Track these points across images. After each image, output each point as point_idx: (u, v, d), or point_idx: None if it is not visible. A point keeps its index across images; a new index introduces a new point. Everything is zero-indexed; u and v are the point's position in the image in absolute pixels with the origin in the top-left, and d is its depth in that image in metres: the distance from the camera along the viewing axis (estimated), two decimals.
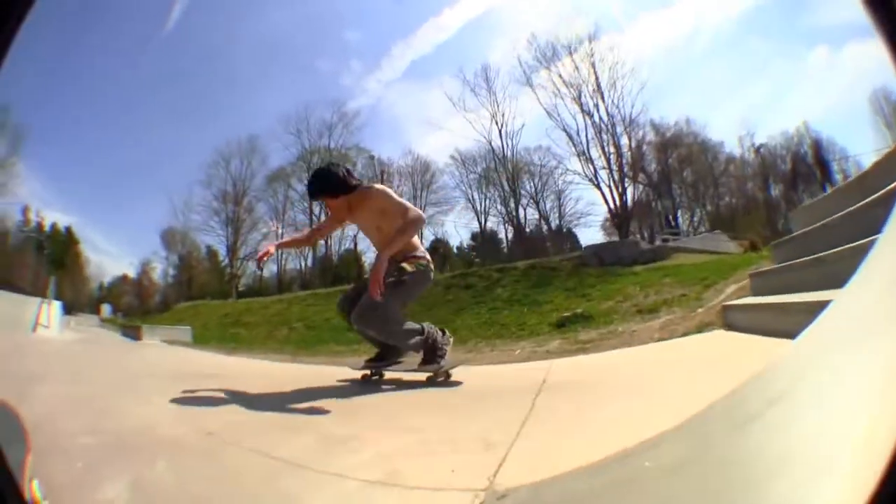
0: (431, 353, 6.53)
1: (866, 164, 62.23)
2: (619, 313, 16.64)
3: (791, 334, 3.03)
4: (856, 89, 68.95)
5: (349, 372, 7.74)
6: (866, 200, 6.14)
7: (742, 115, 68.76)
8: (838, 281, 2.70)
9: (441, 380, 6.38)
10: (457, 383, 6.39)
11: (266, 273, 52.50)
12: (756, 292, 9.29)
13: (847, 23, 75.29)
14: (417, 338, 6.45)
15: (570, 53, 55.71)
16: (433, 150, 56.55)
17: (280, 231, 51.34)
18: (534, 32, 56.58)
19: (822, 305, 2.63)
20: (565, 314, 17.47)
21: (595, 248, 33.15)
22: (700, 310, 12.31)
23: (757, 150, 61.55)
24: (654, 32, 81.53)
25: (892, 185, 5.37)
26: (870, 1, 2.02)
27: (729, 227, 54.50)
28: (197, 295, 50.16)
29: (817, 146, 63.54)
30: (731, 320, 8.55)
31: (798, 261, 7.41)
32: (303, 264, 53.83)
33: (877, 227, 2.79)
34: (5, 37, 2.13)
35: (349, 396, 5.86)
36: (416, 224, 6.71)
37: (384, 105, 66.33)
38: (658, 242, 43.59)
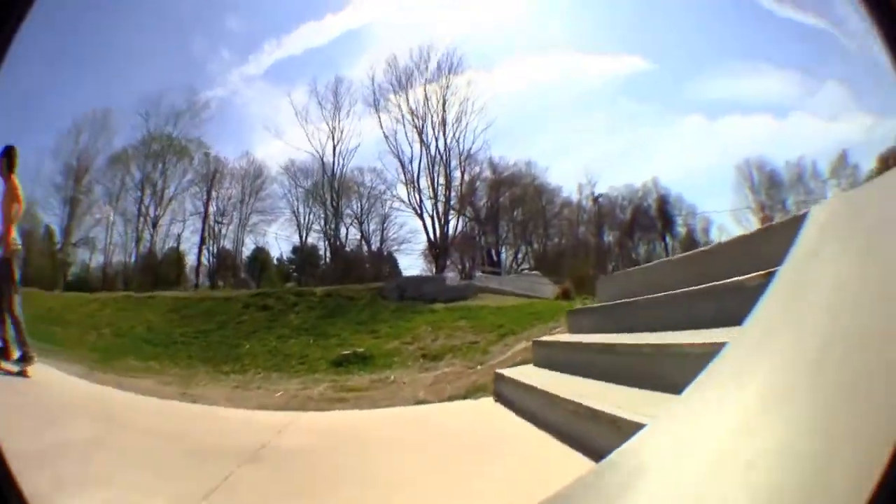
0: None
1: (715, 220, 66.61)
2: (401, 356, 15.81)
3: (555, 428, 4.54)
4: (724, 156, 73.07)
5: None
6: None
7: (587, 164, 70.94)
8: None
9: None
10: None
11: (94, 264, 47.92)
12: (536, 363, 8.45)
13: (732, 97, 79.62)
14: None
15: (426, 83, 54.99)
16: (269, 156, 54.69)
17: (112, 218, 47.65)
18: (396, 55, 55.81)
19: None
20: (346, 352, 16.39)
21: (398, 281, 32.21)
22: (480, 367, 11.62)
23: (595, 198, 63.47)
24: (519, 76, 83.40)
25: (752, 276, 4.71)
26: (870, 1, 2.09)
27: (554, 269, 56.06)
28: (30, 281, 45.97)
29: (663, 200, 66.41)
30: (500, 391, 7.86)
31: (590, 342, 6.84)
32: (127, 259, 51.36)
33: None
34: (5, 37, 2.25)
35: None
36: None
37: (236, 101, 63.61)
38: (477, 274, 43.82)
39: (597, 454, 3.84)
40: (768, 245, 4.67)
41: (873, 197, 3.26)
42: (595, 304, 8.76)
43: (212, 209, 47.94)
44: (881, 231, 2.49)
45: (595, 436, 4.19)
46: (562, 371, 6.78)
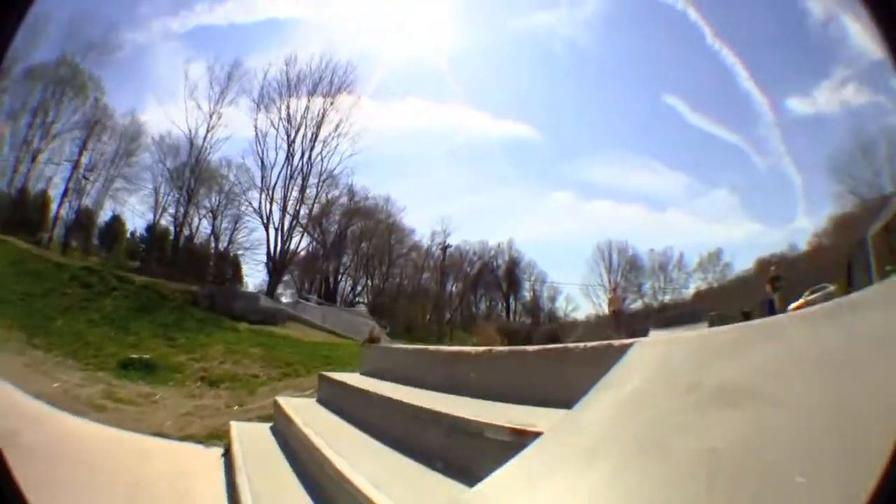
0: None
1: (565, 290, 68.45)
2: (184, 373, 15.66)
3: None
4: (586, 233, 75.83)
5: None
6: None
7: (446, 213, 71.68)
8: None
9: None
10: None
11: None
12: (273, 427, 8.10)
13: (609, 184, 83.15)
14: None
15: (313, 92, 54.03)
16: (150, 122, 51.86)
17: (5, 136, 44.76)
18: (296, 56, 54.78)
19: None
20: (134, 356, 16.09)
21: (212, 290, 31.62)
22: (237, 408, 11.43)
23: (445, 247, 63.94)
24: (404, 114, 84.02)
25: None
26: (870, 1, 2.12)
27: (389, 308, 55.94)
28: None
29: (513, 262, 67.84)
30: (229, 447, 7.32)
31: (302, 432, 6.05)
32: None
33: None
34: (5, 37, 2.28)
35: None
36: None
37: (148, 53, 61.42)
38: (304, 301, 42.61)
39: None
40: (553, 369, 4.26)
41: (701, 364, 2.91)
42: (342, 377, 8.14)
43: (84, 160, 45.47)
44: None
45: None
46: (282, 446, 6.53)
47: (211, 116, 49.21)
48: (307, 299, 44.16)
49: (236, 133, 52.66)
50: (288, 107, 51.12)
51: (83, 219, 46.84)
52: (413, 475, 3.82)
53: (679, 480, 2.06)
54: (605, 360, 3.29)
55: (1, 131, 42.89)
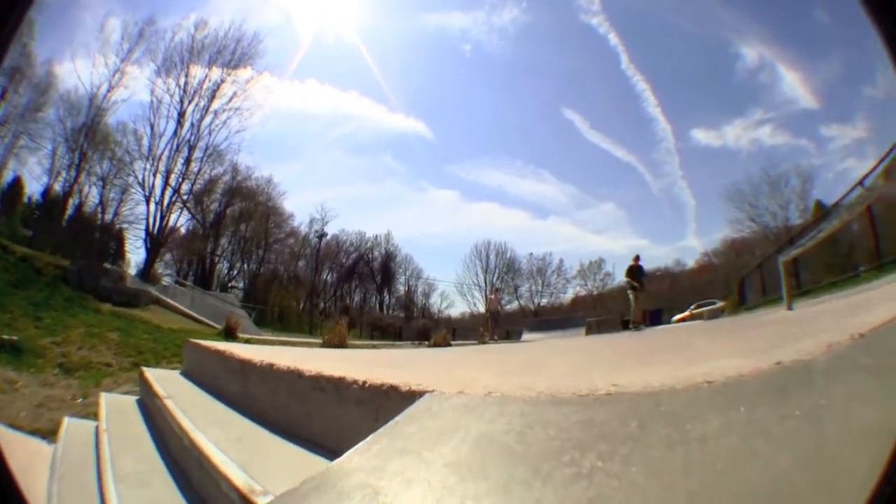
0: None
1: (440, 287, 69.69)
2: (46, 357, 15.38)
3: None
4: (466, 233, 77.40)
5: None
6: None
7: (326, 201, 71.71)
8: None
9: None
10: None
11: None
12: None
13: (496, 187, 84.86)
14: None
15: (215, 62, 53.36)
16: (64, 75, 49.24)
17: None
18: (206, 21, 53.61)
19: None
20: (4, 336, 15.55)
21: (79, 267, 30.12)
22: (80, 400, 11.30)
23: (321, 236, 64.00)
24: (301, 97, 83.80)
25: None
26: (870, 1, 2.04)
27: (262, 294, 56.18)
28: None
29: (389, 256, 68.53)
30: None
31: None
32: None
33: None
34: (5, 37, 2.25)
35: None
36: None
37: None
38: (170, 282, 42.98)
39: None
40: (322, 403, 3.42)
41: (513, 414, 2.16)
42: (152, 376, 7.30)
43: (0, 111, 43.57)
44: None
45: None
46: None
47: (114, 74, 48.10)
48: (183, 284, 43.82)
49: (134, 96, 51.58)
50: (187, 73, 50.99)
51: None
52: None
53: None
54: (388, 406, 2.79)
55: None
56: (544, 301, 69.72)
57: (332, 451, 2.81)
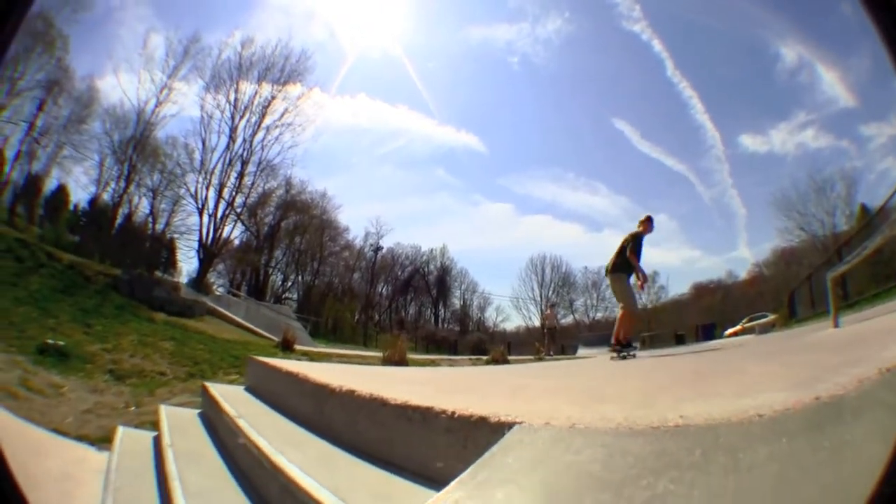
0: None
1: (496, 301, 69.39)
2: (95, 363, 15.35)
3: None
4: (522, 247, 77.32)
5: None
6: None
7: (382, 215, 71.71)
8: None
9: None
10: None
11: None
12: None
13: (551, 200, 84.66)
14: None
15: (263, 77, 53.65)
16: (106, 89, 50.06)
17: None
18: (253, 38, 54.15)
19: None
20: (50, 341, 15.70)
21: (132, 276, 30.53)
22: (133, 409, 11.24)
23: (376, 249, 64.09)
24: (353, 111, 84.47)
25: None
26: (870, 1, 2.07)
27: (317, 306, 55.76)
28: None
29: (445, 270, 68.34)
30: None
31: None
32: None
33: None
34: (5, 36, 2.25)
35: None
36: None
37: (115, 17, 60.24)
38: (226, 293, 43.38)
39: None
40: (417, 433, 3.19)
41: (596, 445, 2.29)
42: (216, 392, 7.31)
43: (39, 122, 44.97)
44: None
45: None
46: (154, 461, 5.84)
47: (161, 90, 48.74)
48: (236, 294, 43.92)
49: (184, 111, 52.17)
50: (237, 90, 51.30)
51: (31, 185, 46.07)
52: None
53: None
54: (481, 434, 2.73)
55: None
56: (599, 315, 68.94)
57: (415, 473, 3.09)
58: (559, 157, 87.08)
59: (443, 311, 70.43)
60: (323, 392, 4.72)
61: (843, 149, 58.19)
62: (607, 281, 13.86)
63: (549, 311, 42.57)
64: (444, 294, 69.71)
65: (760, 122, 72.56)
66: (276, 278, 61.65)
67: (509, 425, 2.69)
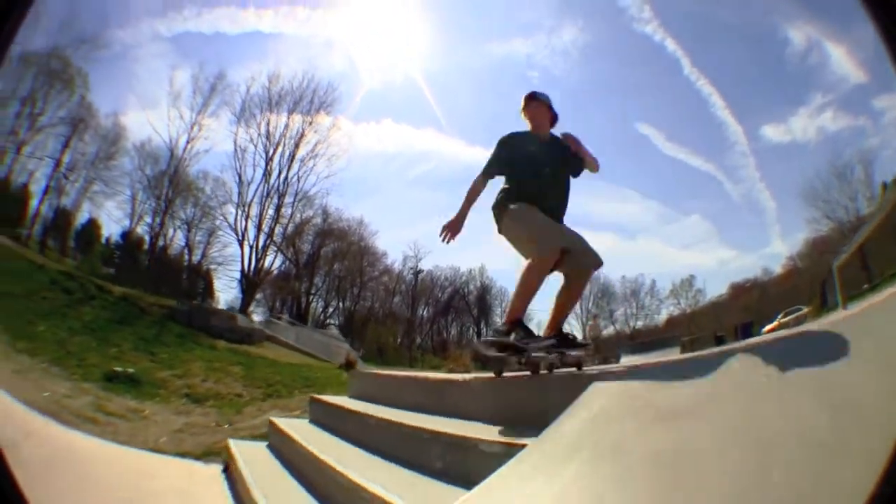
0: None
1: (536, 317, 69.35)
2: (168, 388, 15.62)
3: None
4: None
5: None
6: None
7: (419, 238, 71.75)
8: None
9: None
10: None
11: None
12: (270, 444, 8.33)
13: (576, 211, 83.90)
14: None
15: (293, 110, 53.87)
16: (132, 126, 50.96)
17: None
18: (280, 73, 54.67)
19: None
20: (118, 369, 15.97)
21: (190, 306, 31.51)
22: (228, 426, 11.57)
23: (416, 273, 64.13)
24: (383, 137, 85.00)
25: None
26: (870, 1, 2.11)
27: (359, 330, 55.82)
28: None
29: (484, 289, 68.12)
30: (229, 461, 7.62)
31: (309, 451, 6.07)
32: None
33: None
34: (5, 37, 2.28)
35: None
36: None
37: (133, 54, 61.24)
38: (277, 320, 42.37)
39: None
40: (529, 398, 4.78)
41: (651, 391, 3.65)
42: (335, 400, 8.29)
43: (66, 158, 45.36)
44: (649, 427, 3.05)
45: None
46: (282, 464, 6.65)
47: (192, 127, 49.15)
48: (278, 319, 43.75)
49: (216, 146, 52.70)
50: (268, 123, 51.52)
51: (61, 219, 46.26)
52: (418, 483, 4.18)
53: (629, 474, 2.67)
54: (573, 389, 3.93)
55: None
56: (640, 324, 68.41)
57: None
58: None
59: (485, 329, 70.16)
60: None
61: (861, 127, 57.20)
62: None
63: (591, 323, 42.36)
64: (485, 313, 69.43)
65: (780, 111, 71.79)
66: (317, 304, 61.90)
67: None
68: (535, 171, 5.67)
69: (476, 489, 3.35)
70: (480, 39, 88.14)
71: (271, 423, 8.51)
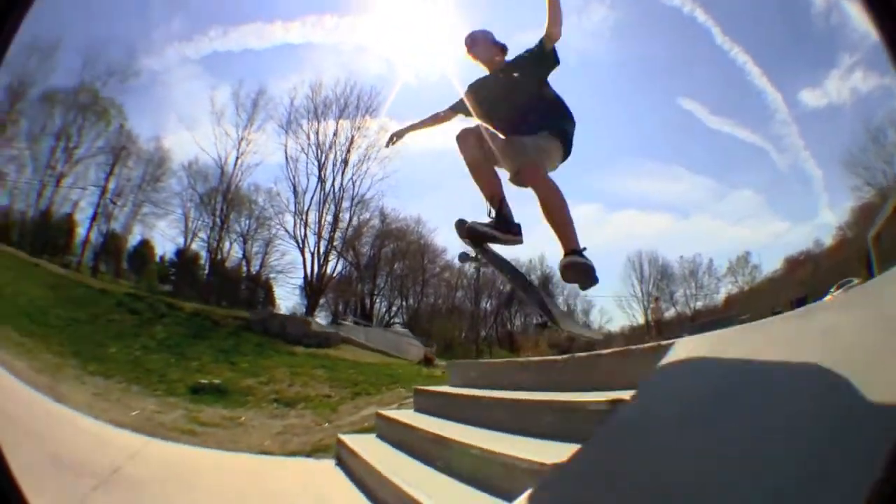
0: None
1: (598, 303, 68.11)
2: (255, 396, 15.85)
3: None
4: (615, 244, 75.82)
5: None
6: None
7: None
8: None
9: None
10: None
11: None
12: (379, 434, 8.48)
13: (635, 194, 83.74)
14: None
15: (340, 117, 54.11)
16: (176, 147, 51.85)
17: (26, 158, 43.96)
18: (322, 82, 54.86)
19: None
20: (203, 381, 16.41)
21: (263, 315, 32.16)
22: (328, 425, 11.74)
23: (478, 267, 63.95)
24: (430, 135, 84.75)
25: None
26: (870, 1, 2.08)
27: (425, 328, 55.87)
28: None
29: (546, 279, 67.83)
30: (342, 456, 7.87)
31: (429, 430, 6.58)
32: (26, 208, 48.14)
33: None
34: (5, 37, 2.26)
35: None
36: None
37: (165, 78, 62.13)
38: (347, 322, 42.84)
39: None
40: (623, 367, 5.26)
41: (734, 341, 4.40)
42: (442, 389, 8.66)
43: (111, 185, 46.09)
44: (730, 379, 3.55)
45: None
46: (399, 449, 6.86)
47: (240, 143, 49.76)
48: (344, 321, 44.37)
49: (266, 158, 53.07)
50: (317, 132, 51.64)
51: (112, 243, 47.15)
52: (539, 445, 4.54)
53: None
54: (658, 354, 4.61)
55: (21, 154, 43.38)
56: (699, 304, 67.54)
57: None
58: (635, 147, 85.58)
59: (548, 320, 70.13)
60: None
61: (888, 86, 55.63)
62: None
63: (653, 305, 42.16)
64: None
65: (814, 75, 70.01)
66: (381, 305, 62.15)
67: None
68: (488, 111, 5.67)
69: (591, 439, 3.90)
70: (511, 29, 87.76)
71: (379, 415, 8.72)
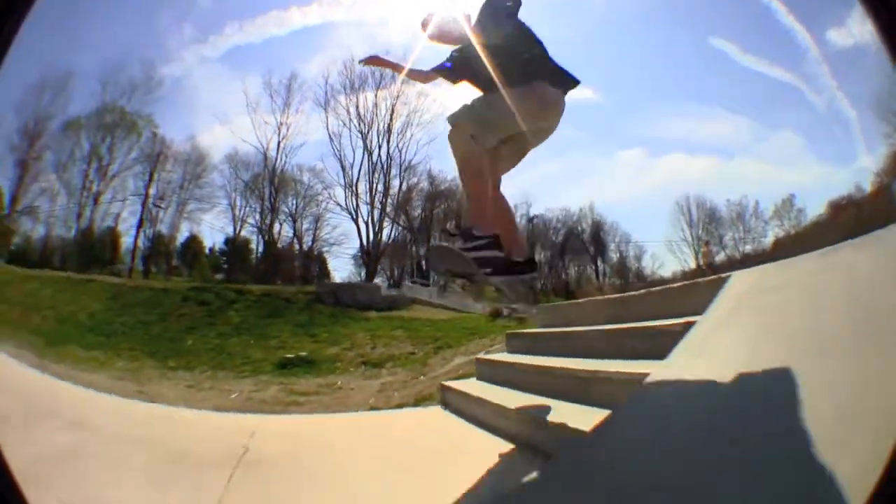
0: None
1: (649, 249, 67.24)
2: (343, 362, 16.39)
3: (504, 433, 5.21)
4: (663, 189, 74.52)
5: None
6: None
7: (526, 185, 70.76)
8: None
9: None
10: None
11: (35, 235, 45.31)
12: (479, 377, 8.56)
13: (678, 137, 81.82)
14: None
15: (377, 88, 54.07)
16: (213, 143, 52.17)
17: (56, 188, 45.07)
18: (353, 57, 54.75)
19: None
20: (289, 355, 16.92)
21: (332, 287, 32.85)
22: (423, 377, 12.16)
23: (530, 219, 63.70)
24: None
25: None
26: (870, 1, 2.09)
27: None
28: None
29: (597, 226, 67.30)
30: (448, 400, 8.06)
31: (530, 363, 7.07)
32: (66, 233, 48.87)
33: None
34: (5, 37, 2.23)
35: None
36: None
37: (189, 83, 62.22)
38: (407, 284, 43.76)
39: (545, 456, 4.50)
40: (690, 298, 5.58)
41: (789, 275, 4.89)
42: (532, 330, 9.04)
43: (152, 191, 46.94)
44: (786, 310, 3.98)
45: (541, 440, 4.77)
46: (503, 386, 6.98)
47: (279, 127, 50.10)
48: (408, 284, 45.54)
49: (309, 138, 53.55)
50: (357, 106, 52.50)
51: (159, 244, 48.15)
52: (629, 365, 4.89)
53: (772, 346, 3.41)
54: (718, 286, 5.16)
55: (53, 184, 44.07)
56: (748, 248, 66.61)
57: None
58: (672, 90, 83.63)
59: (603, 266, 69.71)
60: None
61: None
62: None
63: (704, 249, 41.99)
64: (601, 251, 68.90)
65: (838, 13, 68.14)
66: None
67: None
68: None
69: (665, 362, 4.24)
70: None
71: (479, 360, 8.97)
